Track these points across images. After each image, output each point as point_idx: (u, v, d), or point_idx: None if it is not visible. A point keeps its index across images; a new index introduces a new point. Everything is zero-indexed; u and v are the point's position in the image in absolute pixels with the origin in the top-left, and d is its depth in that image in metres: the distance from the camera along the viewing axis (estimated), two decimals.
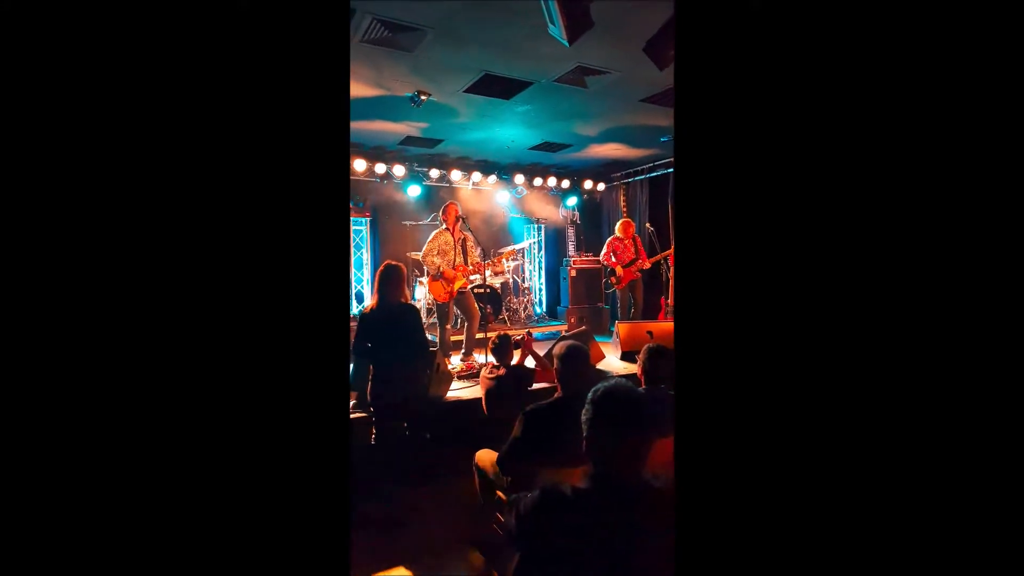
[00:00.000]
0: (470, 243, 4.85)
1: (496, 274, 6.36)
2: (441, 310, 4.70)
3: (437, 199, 6.59)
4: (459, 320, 5.62)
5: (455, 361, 4.79)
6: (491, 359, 3.44)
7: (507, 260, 6.48)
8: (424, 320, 5.90)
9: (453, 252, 4.68)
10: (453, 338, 4.96)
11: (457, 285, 4.65)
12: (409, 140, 5.74)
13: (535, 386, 3.34)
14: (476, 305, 4.91)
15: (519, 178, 6.94)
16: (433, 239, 4.68)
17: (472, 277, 5.42)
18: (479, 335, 4.90)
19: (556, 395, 2.10)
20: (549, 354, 3.65)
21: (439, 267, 4.61)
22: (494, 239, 7.08)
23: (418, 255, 5.00)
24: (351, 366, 3.30)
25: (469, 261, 4.79)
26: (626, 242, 5.76)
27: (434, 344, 4.77)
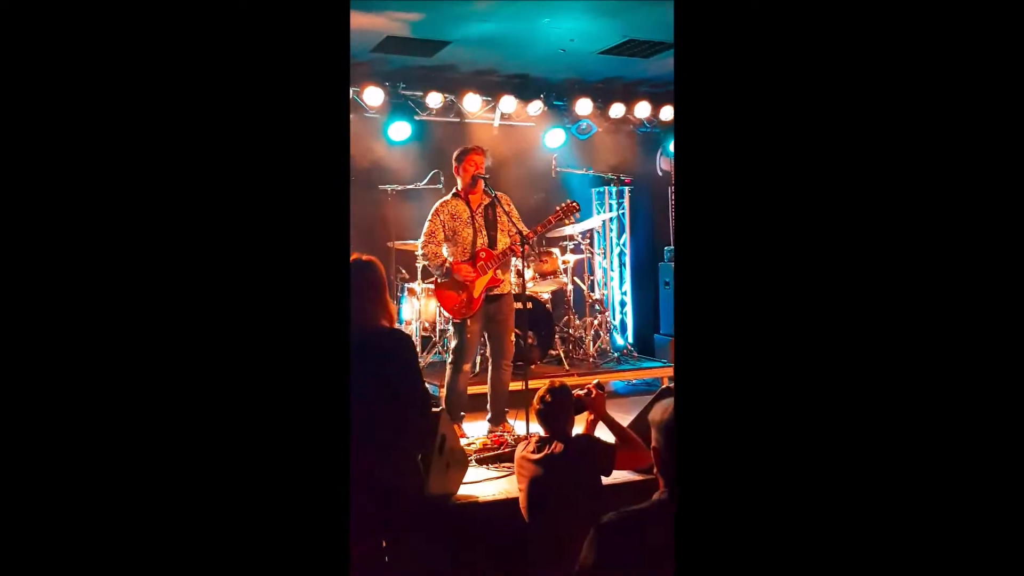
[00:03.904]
0: (505, 204, 4.72)
1: (544, 276, 6.32)
2: (458, 336, 4.68)
3: (439, 144, 6.61)
4: (481, 357, 5.58)
5: (474, 431, 4.78)
6: (536, 429, 3.41)
7: (559, 250, 6.42)
8: (421, 357, 5.91)
9: (472, 231, 4.66)
10: (472, 389, 4.93)
11: (480, 285, 4.62)
12: (391, 44, 5.79)
13: (614, 477, 3.30)
14: (513, 331, 4.83)
15: (583, 106, 6.92)
16: (434, 215, 4.68)
17: (514, 267, 5.21)
18: (515, 384, 4.85)
19: (657, 495, 2.11)
20: (641, 421, 3.64)
21: (445, 261, 4.60)
22: (538, 213, 6.95)
23: (412, 245, 4.96)
24: None
25: (506, 240, 4.68)
26: None
27: (436, 401, 4.81)
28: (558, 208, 4.74)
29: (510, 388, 4.79)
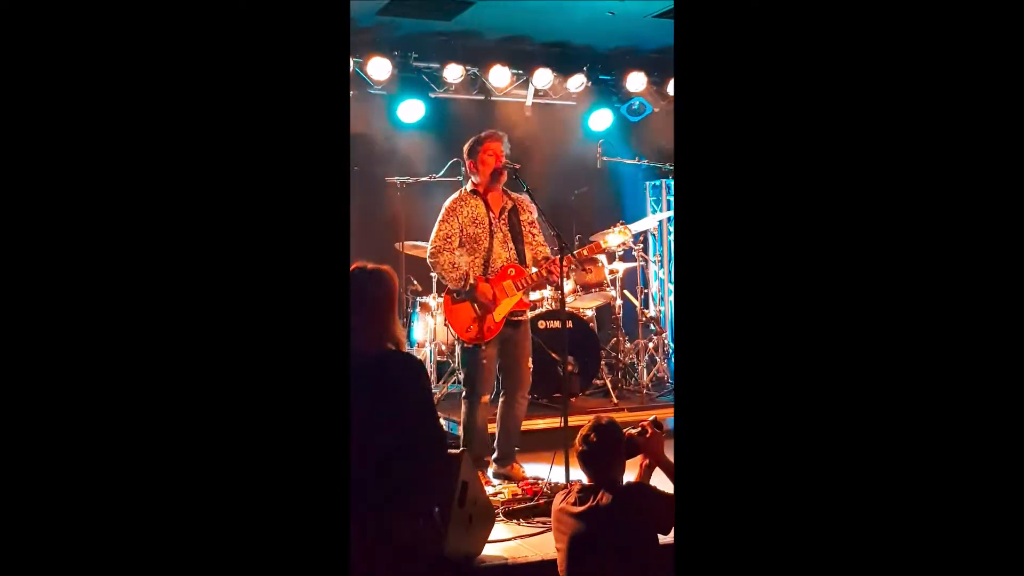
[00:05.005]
0: (527, 215, 4.83)
1: (587, 288, 6.30)
2: (471, 363, 4.73)
3: (459, 127, 6.62)
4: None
5: (497, 477, 4.82)
6: (578, 475, 3.43)
7: (606, 258, 6.40)
8: (436, 387, 5.92)
9: (496, 241, 4.69)
10: (493, 426, 4.93)
11: (503, 309, 4.66)
12: (401, 5, 5.88)
13: (673, 535, 3.13)
14: (530, 357, 4.87)
15: (636, 81, 6.97)
16: (448, 214, 4.71)
17: (536, 294, 5.29)
18: (540, 423, 4.84)
19: None
20: None
21: (464, 273, 4.62)
22: (581, 213, 7.08)
23: (421, 248, 4.96)
24: None
25: (530, 255, 4.79)
26: None
27: (455, 441, 4.80)
28: (600, 242, 5.01)
29: (522, 426, 4.85)
